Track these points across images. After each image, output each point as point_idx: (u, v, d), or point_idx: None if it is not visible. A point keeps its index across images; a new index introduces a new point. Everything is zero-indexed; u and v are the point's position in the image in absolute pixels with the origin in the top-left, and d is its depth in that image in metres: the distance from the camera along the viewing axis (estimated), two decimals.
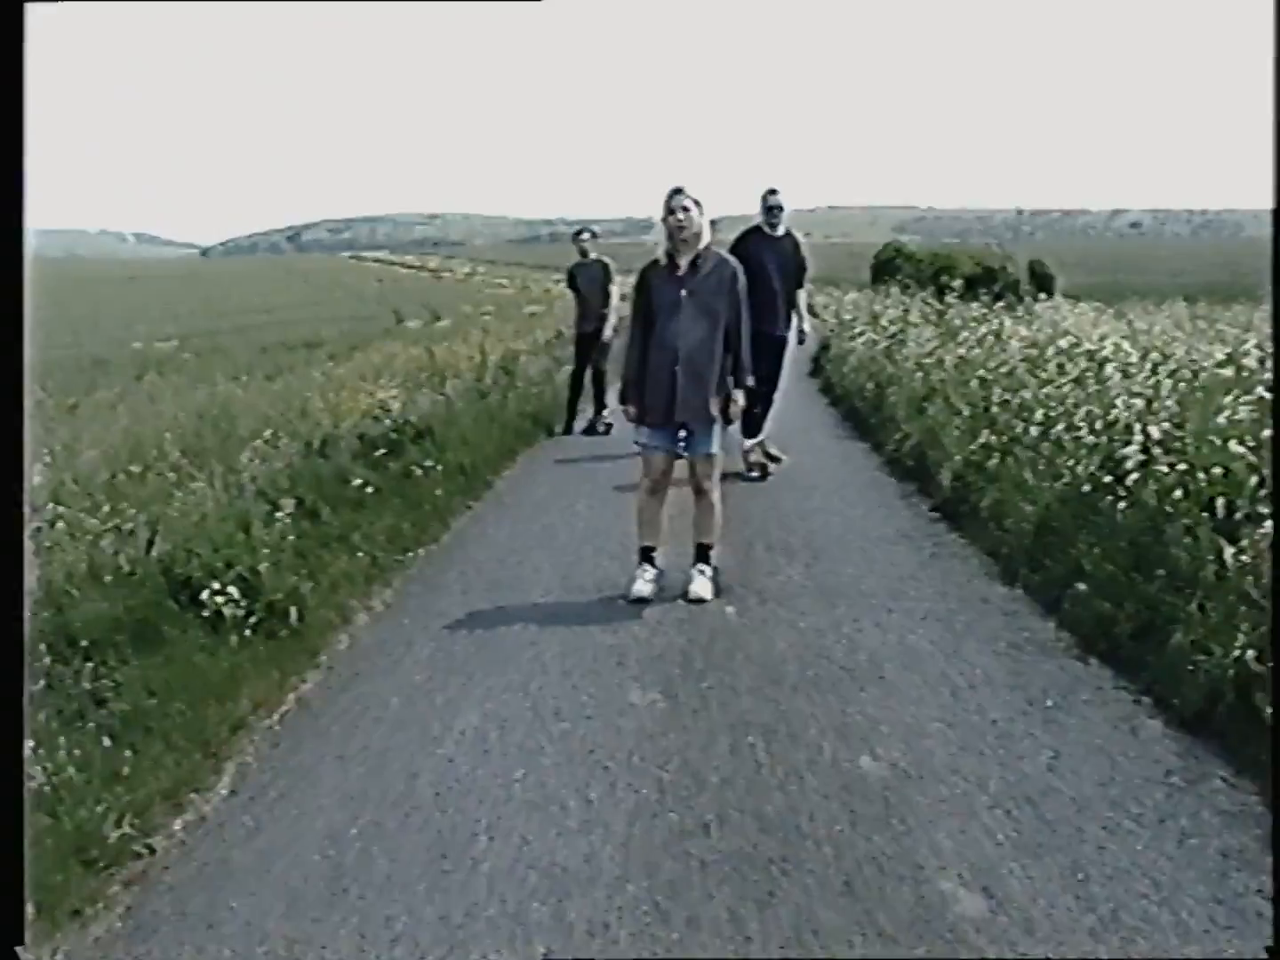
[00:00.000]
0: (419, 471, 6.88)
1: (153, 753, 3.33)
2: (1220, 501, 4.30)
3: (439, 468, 7.02)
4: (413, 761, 3.52)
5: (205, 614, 4.11)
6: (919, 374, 9.24)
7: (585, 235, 10.94)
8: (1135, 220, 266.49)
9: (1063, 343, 8.22)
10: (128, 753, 3.29)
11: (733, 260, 5.19)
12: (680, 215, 4.96)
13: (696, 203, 5.05)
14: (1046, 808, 3.19)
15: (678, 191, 5.00)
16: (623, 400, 5.31)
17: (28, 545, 2.02)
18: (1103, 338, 8.36)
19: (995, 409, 6.97)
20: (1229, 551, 4.03)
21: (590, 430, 10.46)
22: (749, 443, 7.80)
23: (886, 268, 24.28)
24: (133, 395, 16.36)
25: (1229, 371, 5.82)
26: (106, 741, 3.28)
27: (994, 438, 6.50)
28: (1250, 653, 3.51)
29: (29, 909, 2.16)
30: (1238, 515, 4.20)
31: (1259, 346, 6.41)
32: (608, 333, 10.42)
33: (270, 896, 2.81)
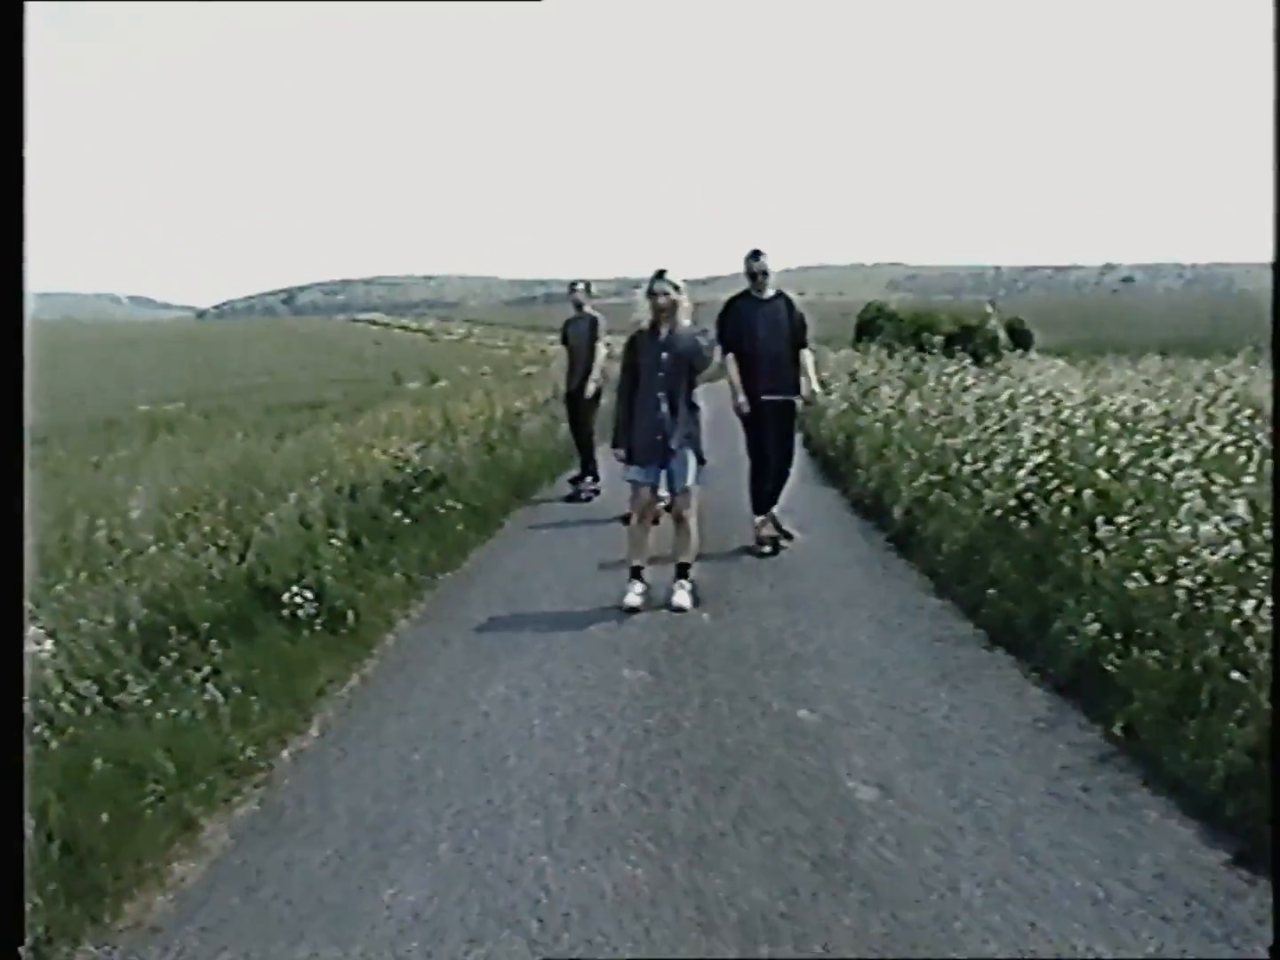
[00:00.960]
0: (440, 510, 7.99)
1: (259, 708, 4.42)
2: (1100, 518, 5.41)
3: (458, 507, 8.14)
4: (456, 715, 4.63)
5: (284, 613, 5.20)
6: (878, 425, 10.38)
7: (579, 287, 10.66)
8: (1127, 275, 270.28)
9: (1008, 394, 9.36)
10: (241, 707, 4.38)
11: (700, 331, 6.38)
12: (661, 298, 6.16)
13: (675, 286, 6.26)
14: (937, 741, 4.28)
15: (659, 276, 6.20)
16: (614, 444, 6.45)
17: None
18: (1048, 391, 9.44)
19: (937, 453, 8.10)
20: (1101, 556, 5.15)
21: (573, 497, 10.33)
22: (758, 518, 7.75)
23: (869, 327, 25.54)
24: (153, 453, 17.43)
25: (1131, 414, 6.99)
26: (224, 698, 4.36)
27: (934, 476, 7.64)
28: (1104, 634, 4.62)
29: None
30: (1110, 528, 5.30)
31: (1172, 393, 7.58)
32: (590, 389, 10.28)
33: (361, 792, 3.92)
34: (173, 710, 4.04)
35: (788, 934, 2.96)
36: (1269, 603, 3.75)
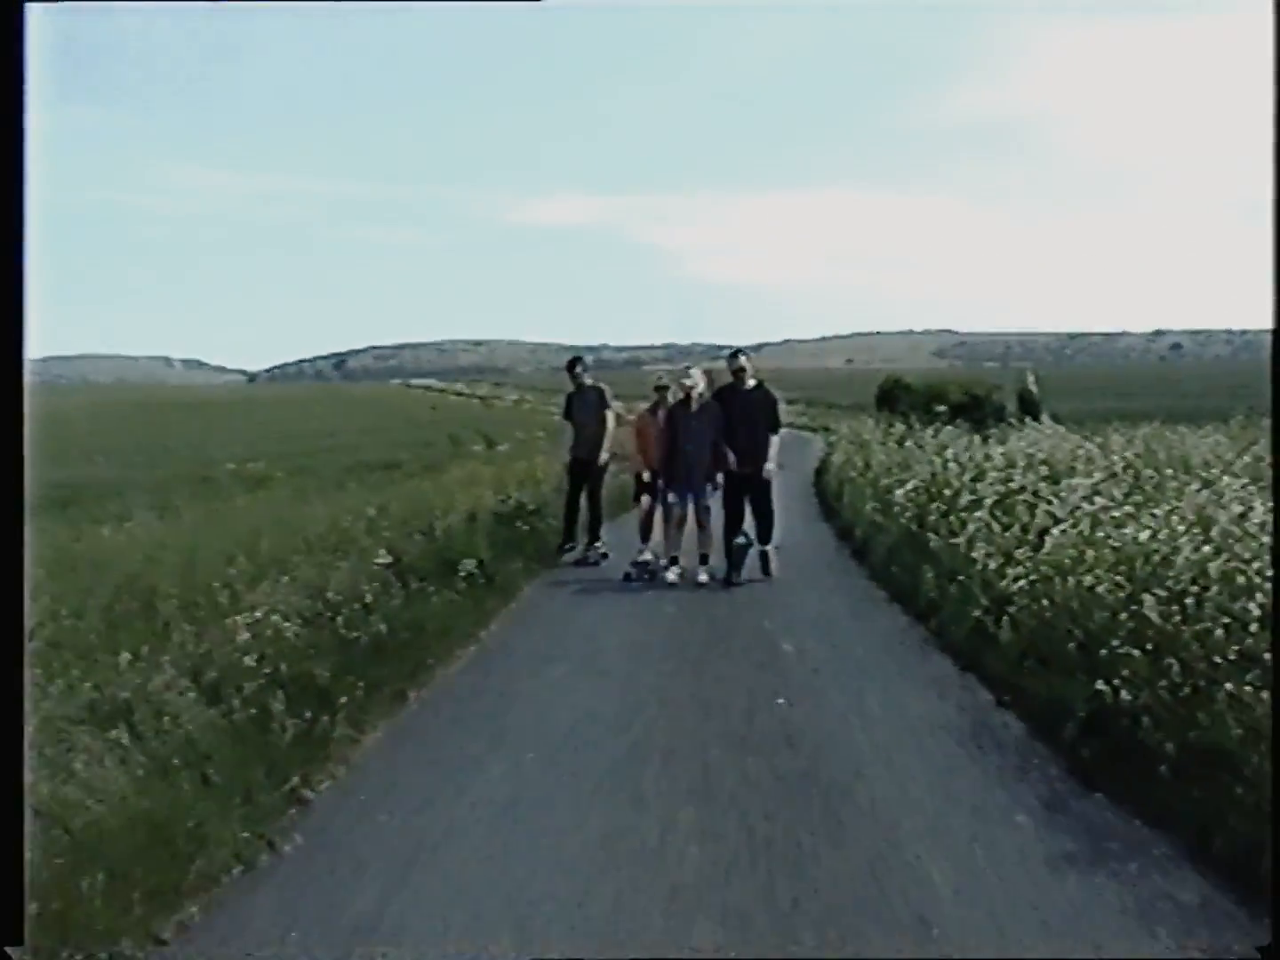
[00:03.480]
0: (541, 527, 11.72)
1: (450, 628, 8.09)
2: (945, 526, 9.01)
3: (552, 524, 11.86)
4: (570, 622, 8.40)
5: (461, 575, 8.90)
6: (859, 476, 14.08)
7: (580, 367, 11.61)
8: (1175, 342, 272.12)
9: (949, 452, 12.96)
10: (451, 613, 8.09)
11: (715, 404, 10.11)
12: (688, 382, 9.95)
13: (702, 374, 10.04)
14: (836, 636, 7.92)
15: (687, 372, 9.99)
16: (656, 475, 10.15)
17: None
18: (1001, 452, 12.90)
19: (884, 492, 11.78)
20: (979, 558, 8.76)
21: (582, 562, 11.07)
22: (768, 549, 10.16)
23: (887, 397, 29.24)
24: (261, 503, 21.04)
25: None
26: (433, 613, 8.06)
27: (877, 506, 11.33)
28: (939, 589, 8.21)
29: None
30: (947, 532, 8.90)
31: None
32: (603, 456, 11.16)
33: (526, 646, 7.65)
34: (421, 606, 7.75)
35: (739, 686, 6.60)
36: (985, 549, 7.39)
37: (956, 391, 29.47)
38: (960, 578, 7.51)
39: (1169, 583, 5.01)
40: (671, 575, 9.95)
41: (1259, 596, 4.29)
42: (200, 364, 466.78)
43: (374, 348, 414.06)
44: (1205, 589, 4.70)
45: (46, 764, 3.94)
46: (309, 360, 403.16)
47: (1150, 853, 4.08)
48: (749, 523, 10.11)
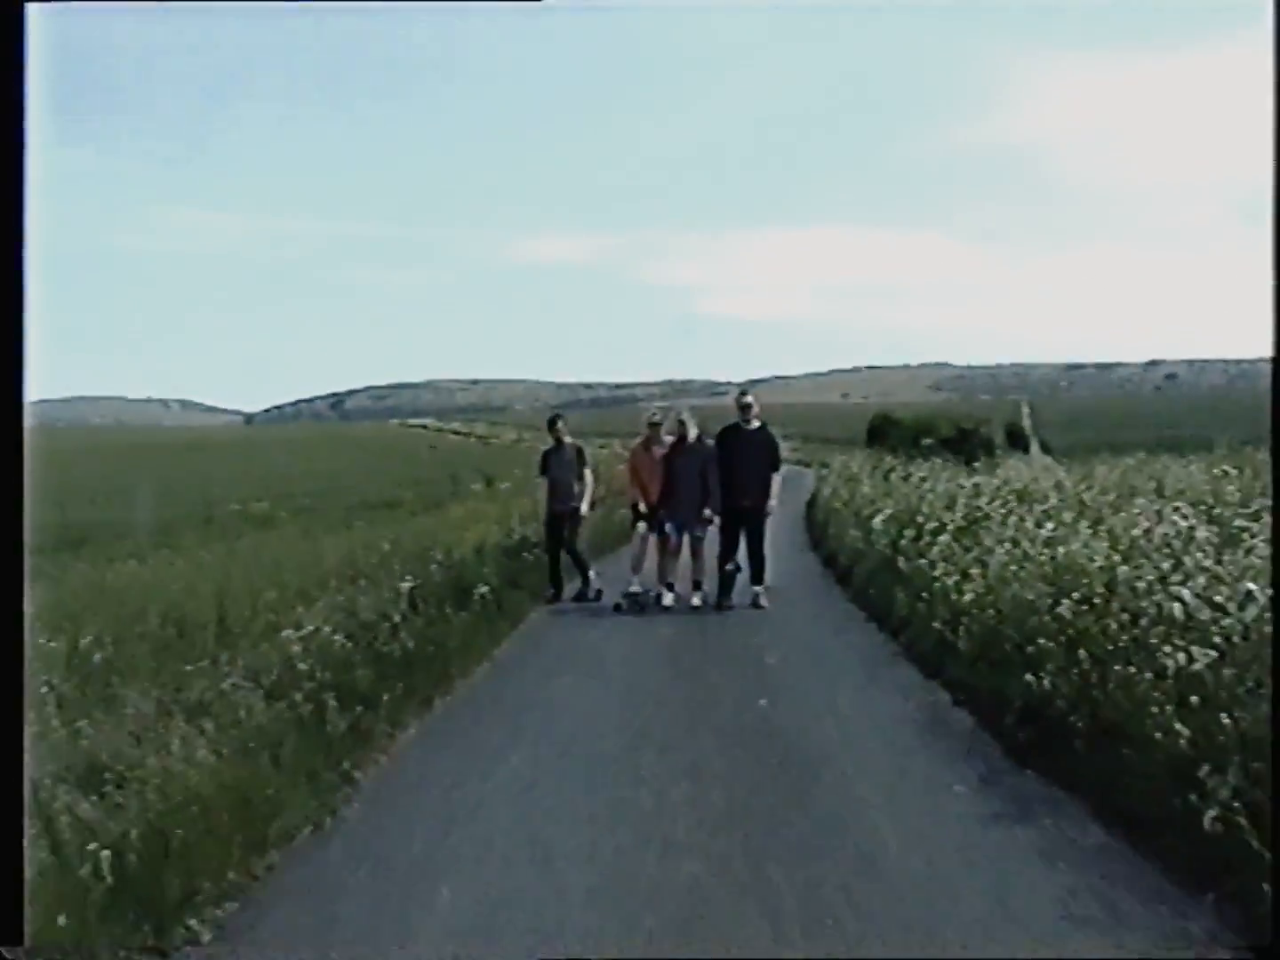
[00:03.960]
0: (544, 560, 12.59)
1: (469, 645, 8.95)
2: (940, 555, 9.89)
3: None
4: (575, 642, 9.25)
5: (474, 598, 9.76)
6: (844, 508, 14.99)
7: (560, 424, 12.22)
8: (1171, 372, 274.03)
9: (927, 483, 13.87)
10: (469, 633, 8.96)
11: (708, 444, 11.00)
12: (681, 428, 10.85)
13: (692, 422, 10.95)
14: (817, 650, 8.80)
15: (680, 419, 10.90)
16: (656, 510, 11.02)
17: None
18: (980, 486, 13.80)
19: (865, 521, 12.68)
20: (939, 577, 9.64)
21: (580, 598, 11.57)
22: (758, 589, 10.79)
23: (877, 432, 30.29)
24: (271, 541, 21.87)
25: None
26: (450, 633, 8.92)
27: (860, 533, 12.22)
28: (911, 608, 9.09)
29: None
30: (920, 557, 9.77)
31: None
32: (584, 508, 11.82)
33: (538, 662, 8.52)
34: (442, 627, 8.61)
35: (727, 691, 7.46)
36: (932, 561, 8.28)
37: (945, 426, 30.55)
38: (924, 595, 8.37)
39: (1084, 589, 5.90)
40: (668, 599, 10.81)
41: (1155, 597, 5.17)
42: (197, 405, 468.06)
43: (371, 388, 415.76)
44: (1112, 592, 5.59)
45: (145, 745, 4.80)
46: (306, 400, 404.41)
47: (1063, 810, 4.93)
48: (742, 554, 10.95)
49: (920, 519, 10.39)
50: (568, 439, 12.04)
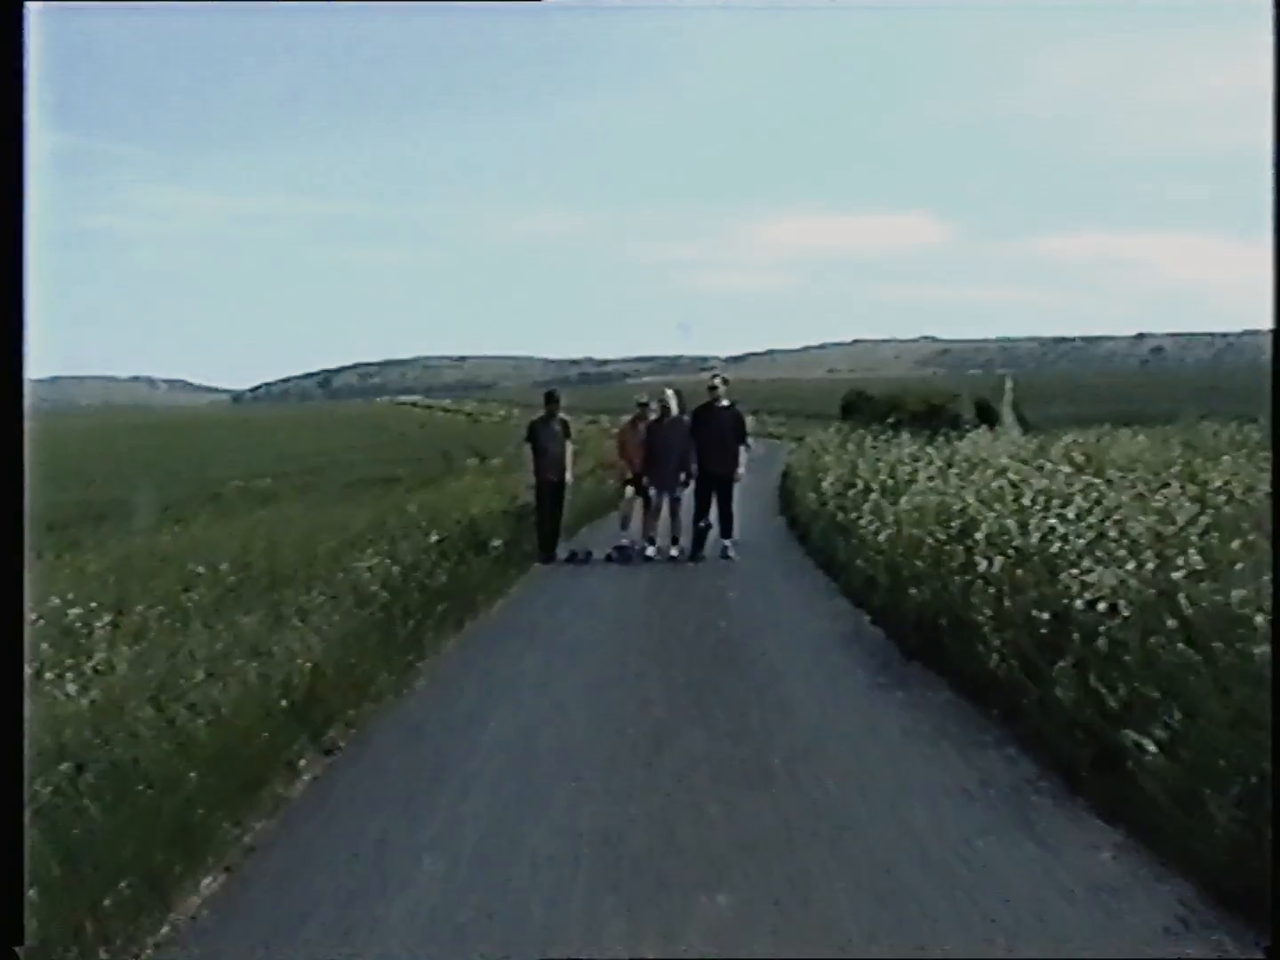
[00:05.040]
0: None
1: (487, 584, 10.96)
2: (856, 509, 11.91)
3: None
4: (572, 586, 11.34)
5: (489, 548, 11.75)
6: (808, 476, 17.01)
7: (558, 399, 13.83)
8: (1157, 345, 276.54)
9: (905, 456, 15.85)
10: (488, 575, 10.98)
11: (686, 419, 13.01)
12: (663, 403, 12.85)
13: (675, 394, 12.95)
14: (775, 596, 10.83)
15: (663, 392, 12.90)
16: (640, 477, 13.02)
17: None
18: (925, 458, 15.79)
19: (821, 487, 14.71)
20: (864, 525, 11.67)
21: (572, 558, 13.13)
22: (727, 542, 12.90)
23: (851, 407, 32.32)
24: (295, 512, 23.52)
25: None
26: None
27: (818, 497, 14.26)
28: (864, 564, 11.11)
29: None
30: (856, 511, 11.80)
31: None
32: (569, 478, 13.55)
33: (544, 600, 10.59)
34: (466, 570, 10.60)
35: (694, 617, 9.49)
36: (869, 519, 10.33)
37: (915, 402, 32.57)
38: (853, 541, 10.42)
39: (952, 526, 7.97)
40: (650, 551, 12.85)
41: (985, 525, 7.27)
42: (185, 384, 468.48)
43: (358, 365, 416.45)
44: (974, 528, 7.64)
45: (274, 635, 6.81)
46: (294, 379, 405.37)
47: (927, 682, 6.96)
48: (713, 514, 12.99)
49: (858, 483, 12.42)
50: (560, 414, 13.55)
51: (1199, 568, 5.27)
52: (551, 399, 13.78)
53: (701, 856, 4.30)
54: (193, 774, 4.52)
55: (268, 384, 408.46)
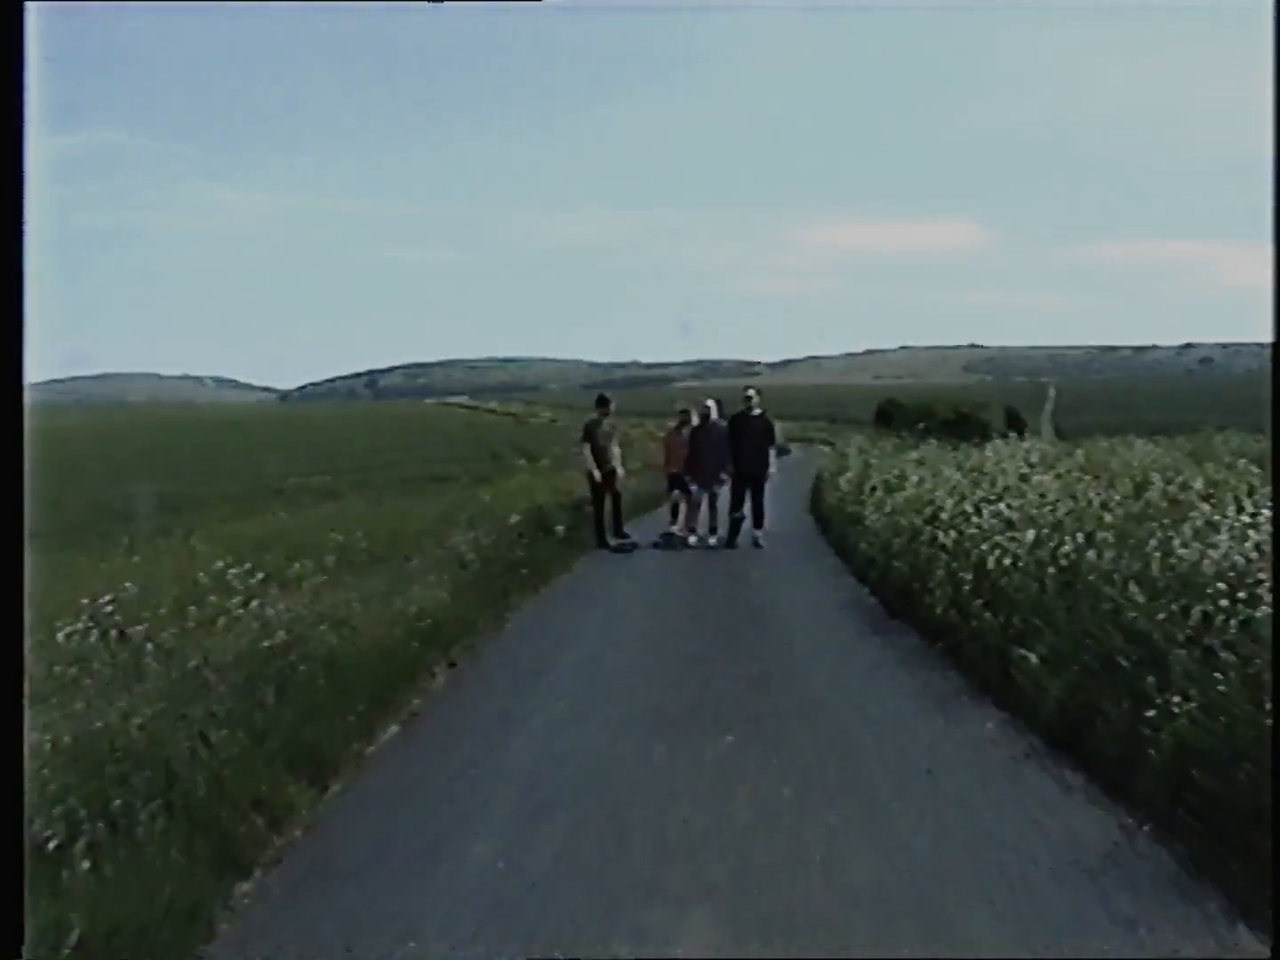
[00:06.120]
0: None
1: (555, 560, 13.14)
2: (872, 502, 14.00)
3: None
4: (625, 564, 13.50)
5: (553, 532, 13.91)
6: (834, 477, 19.11)
7: (609, 403, 15.64)
8: (1205, 355, 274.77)
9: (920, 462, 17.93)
10: (556, 551, 13.17)
11: (724, 424, 15.13)
12: (704, 410, 15.00)
13: (715, 402, 15.10)
14: (795, 575, 12.94)
15: (707, 400, 15.05)
16: (682, 475, 15.16)
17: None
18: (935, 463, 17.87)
19: (840, 486, 16.81)
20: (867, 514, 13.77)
21: (619, 549, 14.79)
22: (758, 532, 14.89)
23: (883, 415, 34.28)
24: (349, 508, 25.72)
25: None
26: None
27: (839, 494, 16.36)
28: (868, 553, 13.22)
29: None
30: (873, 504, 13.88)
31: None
32: (621, 473, 15.46)
33: (598, 570, 12.76)
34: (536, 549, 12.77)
35: (724, 590, 11.63)
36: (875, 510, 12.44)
37: (945, 410, 34.44)
38: (860, 529, 12.54)
39: (925, 514, 10.10)
40: (692, 539, 14.99)
41: (945, 512, 9.39)
42: (231, 382, 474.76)
43: (404, 366, 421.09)
44: (940, 513, 9.75)
45: (396, 589, 9.01)
46: (340, 378, 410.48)
47: (902, 630, 9.05)
48: (747, 507, 15.10)
49: (868, 482, 14.55)
50: (610, 419, 15.42)
51: (1081, 539, 7.33)
52: (603, 402, 15.63)
53: (716, 721, 6.43)
54: (378, 667, 6.75)
55: (314, 383, 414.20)
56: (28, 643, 2.52)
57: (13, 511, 2.47)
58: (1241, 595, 4.85)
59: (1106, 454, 17.74)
